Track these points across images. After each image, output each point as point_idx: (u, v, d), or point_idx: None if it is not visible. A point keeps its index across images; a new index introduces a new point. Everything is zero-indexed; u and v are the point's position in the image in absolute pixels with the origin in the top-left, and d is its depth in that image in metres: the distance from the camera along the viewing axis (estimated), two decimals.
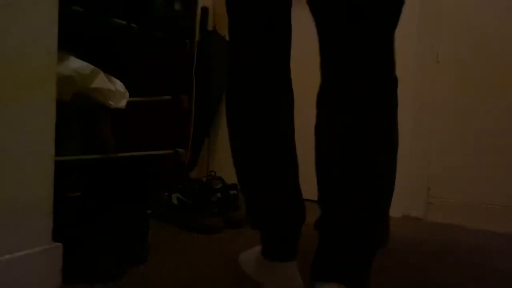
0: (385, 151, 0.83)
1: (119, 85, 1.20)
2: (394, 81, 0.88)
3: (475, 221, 1.61)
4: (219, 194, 1.36)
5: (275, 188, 0.84)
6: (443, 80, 1.70)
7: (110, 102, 1.18)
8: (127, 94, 1.22)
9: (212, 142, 2.21)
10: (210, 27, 2.10)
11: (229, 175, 1.83)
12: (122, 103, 1.20)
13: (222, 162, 2.17)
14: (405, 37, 1.75)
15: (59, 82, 0.84)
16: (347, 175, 0.79)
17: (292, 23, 0.92)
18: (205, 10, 2.05)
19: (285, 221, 0.84)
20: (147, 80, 1.61)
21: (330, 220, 0.80)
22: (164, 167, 1.62)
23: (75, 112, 1.22)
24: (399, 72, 1.81)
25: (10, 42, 0.76)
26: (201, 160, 2.18)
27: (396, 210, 1.75)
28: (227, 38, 2.18)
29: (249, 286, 0.93)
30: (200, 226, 1.31)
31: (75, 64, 1.08)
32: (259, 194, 0.86)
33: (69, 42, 1.07)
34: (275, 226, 0.86)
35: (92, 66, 1.12)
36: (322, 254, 0.79)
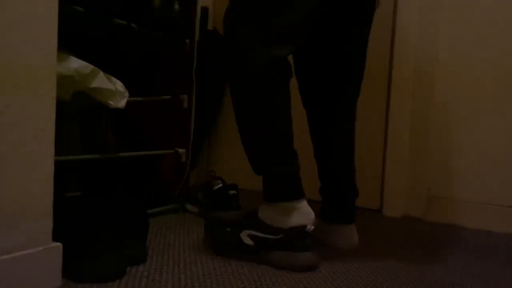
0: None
1: (119, 85, 1.20)
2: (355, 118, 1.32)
3: (475, 221, 1.61)
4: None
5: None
6: (443, 80, 1.70)
7: (110, 102, 1.18)
8: (127, 94, 1.22)
9: (212, 142, 2.21)
10: (210, 27, 2.10)
11: (229, 175, 1.84)
12: (122, 103, 1.20)
13: (222, 162, 2.17)
14: (405, 37, 1.75)
15: (59, 82, 0.84)
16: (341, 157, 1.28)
17: None
18: (205, 10, 2.05)
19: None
20: (147, 80, 1.61)
21: (332, 186, 1.28)
22: (164, 167, 1.62)
23: (75, 112, 1.22)
24: (399, 72, 1.84)
25: (10, 42, 0.75)
26: (201, 160, 2.18)
27: (395, 210, 1.75)
28: None
29: (249, 283, 0.93)
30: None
31: (75, 64, 1.08)
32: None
33: (69, 42, 1.07)
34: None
35: (92, 66, 1.12)
36: (331, 207, 1.27)
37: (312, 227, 1.04)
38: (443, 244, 1.37)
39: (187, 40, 1.55)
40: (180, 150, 1.57)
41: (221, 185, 1.53)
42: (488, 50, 1.63)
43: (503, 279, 1.07)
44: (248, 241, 1.08)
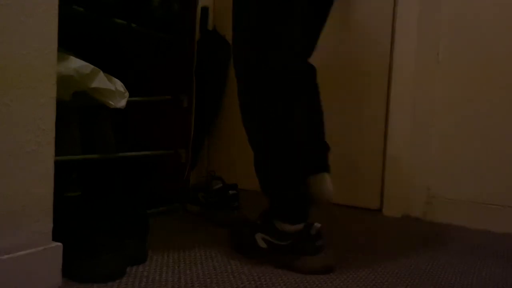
0: None
1: (119, 85, 1.20)
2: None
3: (475, 221, 1.61)
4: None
5: None
6: (443, 80, 1.70)
7: (110, 102, 1.18)
8: (127, 94, 1.22)
9: (212, 142, 2.21)
10: (210, 27, 2.10)
11: (229, 175, 1.84)
12: (122, 103, 1.20)
13: (222, 162, 2.17)
14: (405, 37, 1.75)
15: (59, 82, 0.84)
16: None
17: None
18: (205, 9, 2.05)
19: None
20: (147, 80, 1.61)
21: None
22: (164, 167, 1.62)
23: (75, 112, 1.22)
24: (399, 72, 1.85)
25: (10, 42, 0.76)
26: (201, 160, 2.18)
27: (395, 210, 1.75)
28: (227, 37, 2.20)
29: (249, 283, 0.93)
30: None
31: (75, 64, 1.08)
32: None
33: (69, 42, 1.07)
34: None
35: (92, 66, 1.12)
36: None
37: (319, 225, 1.02)
38: (443, 244, 1.37)
39: (187, 40, 1.55)
40: (180, 150, 1.57)
41: (221, 185, 1.54)
42: (488, 50, 1.62)
43: (503, 279, 1.07)
44: (262, 244, 1.08)
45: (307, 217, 1.06)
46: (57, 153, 0.85)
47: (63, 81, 0.96)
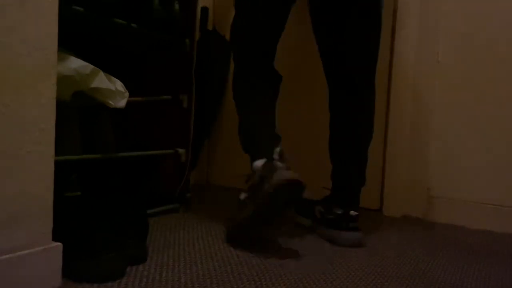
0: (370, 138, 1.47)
1: (119, 85, 1.20)
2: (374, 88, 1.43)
3: (475, 221, 1.61)
4: None
5: None
6: (443, 80, 1.70)
7: (110, 102, 1.18)
8: (127, 94, 1.22)
9: (212, 142, 2.21)
10: (210, 27, 2.10)
11: (229, 175, 1.83)
12: (122, 103, 1.20)
13: (222, 162, 2.17)
14: (405, 37, 1.75)
15: (59, 82, 0.84)
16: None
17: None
18: (205, 10, 2.05)
19: None
20: (147, 80, 1.61)
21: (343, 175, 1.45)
22: (164, 167, 1.62)
23: (75, 112, 1.22)
24: (399, 72, 1.85)
25: (10, 42, 0.76)
26: (201, 160, 2.18)
27: (396, 210, 1.75)
28: (227, 37, 2.20)
29: (249, 283, 0.93)
30: None
31: (75, 64, 1.08)
32: None
33: (69, 42, 1.07)
34: None
35: (92, 66, 1.12)
36: (338, 195, 1.40)
37: (355, 213, 1.31)
38: (443, 244, 1.38)
39: (187, 40, 1.55)
40: (180, 150, 1.57)
41: None
42: (489, 50, 1.63)
43: (503, 279, 1.07)
44: (318, 214, 1.39)
45: (350, 206, 1.33)
46: (57, 153, 0.85)
47: (63, 81, 0.96)
